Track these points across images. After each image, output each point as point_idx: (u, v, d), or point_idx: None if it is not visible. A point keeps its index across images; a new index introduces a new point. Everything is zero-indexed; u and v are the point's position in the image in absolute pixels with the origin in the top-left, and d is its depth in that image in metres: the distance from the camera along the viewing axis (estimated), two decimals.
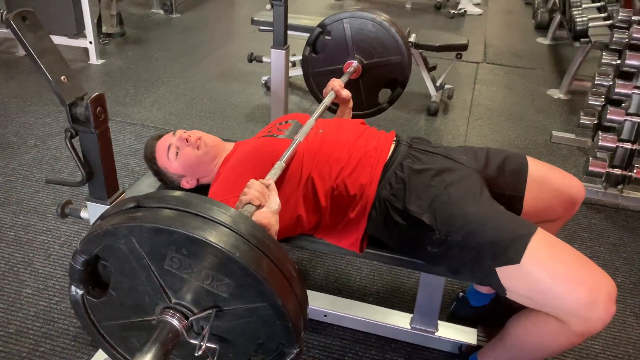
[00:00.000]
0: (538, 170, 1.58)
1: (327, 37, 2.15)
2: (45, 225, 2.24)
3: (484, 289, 1.84)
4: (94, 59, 3.95)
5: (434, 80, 3.48)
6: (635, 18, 2.61)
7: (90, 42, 3.88)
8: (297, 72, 3.59)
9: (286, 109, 2.32)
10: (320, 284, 2.02)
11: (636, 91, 2.42)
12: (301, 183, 1.48)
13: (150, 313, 0.96)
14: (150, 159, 1.67)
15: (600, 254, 2.24)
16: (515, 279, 1.29)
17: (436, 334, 1.75)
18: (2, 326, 1.76)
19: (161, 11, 5.31)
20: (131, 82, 3.67)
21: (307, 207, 1.48)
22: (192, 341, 0.92)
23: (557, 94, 3.80)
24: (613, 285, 1.24)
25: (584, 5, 3.74)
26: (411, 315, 1.79)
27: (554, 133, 3.15)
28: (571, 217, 1.70)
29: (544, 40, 4.99)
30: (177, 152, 1.62)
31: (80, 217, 1.18)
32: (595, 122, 2.98)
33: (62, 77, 1.03)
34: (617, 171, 2.53)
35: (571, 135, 3.15)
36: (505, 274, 1.29)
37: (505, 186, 1.55)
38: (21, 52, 4.06)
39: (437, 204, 1.38)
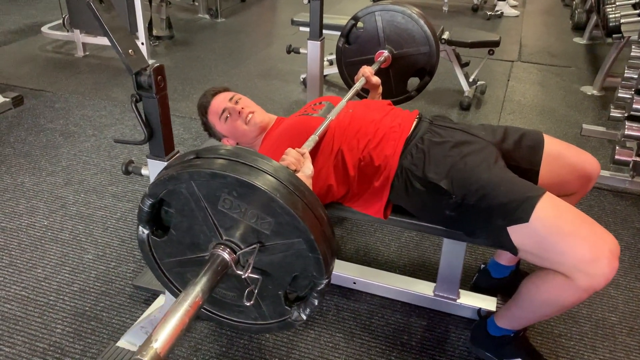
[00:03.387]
0: (554, 146, 1.70)
1: (360, 29, 2.31)
2: (103, 202, 2.48)
3: (504, 261, 1.95)
4: None
5: (466, 76, 3.59)
6: None
7: (142, 44, 4.15)
8: (332, 70, 3.78)
9: (321, 93, 2.49)
10: (350, 257, 2.18)
11: None
12: (332, 155, 1.65)
13: (204, 250, 1.14)
14: (203, 111, 1.89)
15: (624, 237, 2.32)
16: (525, 238, 1.41)
17: (457, 301, 1.88)
18: (67, 285, 1.99)
19: (207, 16, 5.59)
20: (179, 80, 3.93)
21: (337, 177, 1.65)
22: (238, 272, 1.09)
23: (590, 90, 3.85)
24: (615, 243, 1.35)
25: (617, 3, 3.79)
26: (434, 284, 1.92)
27: (584, 126, 3.21)
28: (586, 193, 1.80)
29: (581, 40, 5.02)
30: (227, 118, 1.81)
31: (141, 175, 1.38)
32: (626, 114, 3.05)
33: (130, 51, 1.22)
34: None
35: (601, 129, 3.20)
36: (516, 232, 1.41)
37: (521, 160, 1.67)
38: (80, 53, 4.39)
39: (454, 171, 1.52)
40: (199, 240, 1.14)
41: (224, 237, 1.11)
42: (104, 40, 4.26)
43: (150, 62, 1.24)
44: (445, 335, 1.83)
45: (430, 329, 1.85)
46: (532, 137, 1.71)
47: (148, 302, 1.90)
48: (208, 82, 3.90)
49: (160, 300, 1.86)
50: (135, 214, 2.38)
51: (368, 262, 2.15)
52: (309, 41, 2.33)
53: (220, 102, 1.86)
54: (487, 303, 1.87)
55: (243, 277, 1.06)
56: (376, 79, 2.05)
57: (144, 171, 1.38)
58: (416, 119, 1.72)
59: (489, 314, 1.81)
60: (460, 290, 1.88)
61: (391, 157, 1.60)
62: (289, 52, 3.28)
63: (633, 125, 2.56)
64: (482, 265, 2.01)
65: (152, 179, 1.37)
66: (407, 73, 2.36)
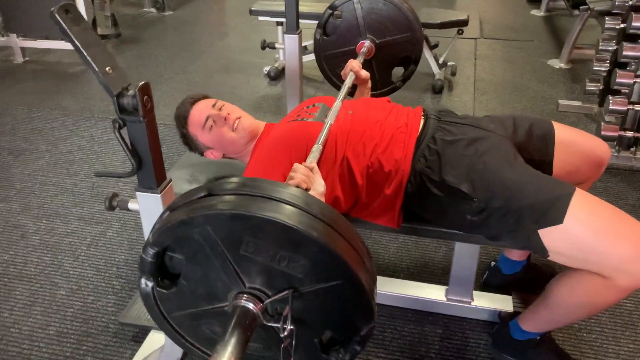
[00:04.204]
0: (565, 134, 1.60)
1: (338, 19, 2.15)
2: (69, 227, 2.24)
3: (515, 256, 1.86)
4: None
5: (436, 58, 3.48)
6: None
7: None
8: (306, 58, 3.59)
9: (301, 94, 2.32)
10: None
11: None
12: (336, 164, 1.49)
13: (222, 300, 0.97)
14: (182, 122, 1.69)
15: None
16: (558, 240, 1.30)
17: (472, 303, 1.77)
18: (41, 328, 1.77)
19: (153, 9, 5.27)
20: (134, 82, 3.65)
21: (343, 187, 1.50)
22: (271, 324, 0.92)
23: (557, 63, 3.82)
24: None
25: None
26: (446, 288, 1.81)
27: (560, 102, 3.17)
28: (597, 179, 1.72)
29: (538, 12, 5.01)
30: (212, 126, 1.62)
31: (128, 210, 1.19)
32: (601, 87, 3.02)
33: (107, 68, 1.03)
34: (630, 134, 2.56)
35: (577, 103, 3.17)
36: (548, 235, 1.31)
37: (534, 151, 1.57)
38: (19, 59, 4.03)
39: (473, 173, 1.40)
40: (215, 290, 0.97)
41: (248, 285, 0.95)
42: (45, 44, 3.93)
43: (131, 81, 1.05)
44: (464, 341, 1.72)
45: (447, 336, 1.74)
46: (542, 126, 1.61)
47: (137, 340, 1.71)
48: (165, 82, 3.65)
49: (152, 338, 1.67)
50: (108, 236, 2.17)
51: None
52: (285, 35, 2.15)
53: (201, 110, 1.67)
54: (504, 303, 1.78)
55: (282, 335, 0.90)
56: (365, 73, 1.90)
57: (132, 205, 1.19)
58: (422, 117, 1.58)
59: (509, 316, 1.71)
60: (473, 291, 1.78)
61: (402, 161, 1.46)
62: (263, 47, 3.08)
63: (618, 100, 2.51)
64: (492, 263, 1.91)
65: (143, 214, 1.18)
66: (392, 63, 2.22)
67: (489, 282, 1.89)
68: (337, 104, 1.59)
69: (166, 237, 0.91)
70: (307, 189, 1.22)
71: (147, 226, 1.17)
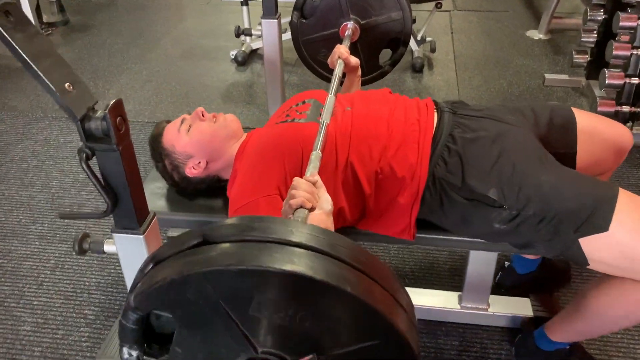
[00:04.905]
0: (586, 122, 1.45)
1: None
2: (28, 248, 1.98)
3: (531, 255, 1.72)
4: None
5: (414, 35, 3.29)
6: None
7: None
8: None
9: (283, 86, 2.09)
10: None
11: None
12: (338, 170, 1.30)
13: None
14: (156, 137, 1.47)
15: None
16: (602, 249, 1.15)
17: (489, 310, 1.62)
18: None
19: None
20: (88, 75, 3.34)
21: (348, 196, 1.31)
22: None
23: (536, 34, 3.68)
24: None
25: None
26: (458, 294, 1.66)
27: (547, 76, 3.03)
28: (617, 167, 1.58)
29: None
30: (189, 127, 1.41)
31: (103, 253, 0.97)
32: (589, 59, 2.89)
33: (67, 85, 0.80)
34: (626, 108, 2.44)
35: (564, 76, 3.04)
36: (591, 244, 1.16)
37: (557, 144, 1.41)
38: None
39: (502, 176, 1.22)
40: (219, 356, 0.78)
41: (260, 350, 0.75)
42: None
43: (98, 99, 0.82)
44: (484, 353, 1.57)
45: (464, 348, 1.59)
46: (562, 114, 1.45)
47: None
48: (124, 73, 3.35)
49: None
50: (74, 256, 1.92)
51: None
52: (263, 20, 1.91)
53: (176, 120, 1.46)
54: (522, 307, 1.64)
55: None
56: (355, 60, 1.69)
57: (108, 248, 0.97)
58: (435, 110, 1.39)
59: (529, 321, 1.58)
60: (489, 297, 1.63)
61: (418, 166, 1.27)
62: (237, 35, 2.82)
63: (614, 73, 2.37)
64: (507, 263, 1.76)
65: (122, 259, 0.97)
66: (379, 45, 2.01)
67: (502, 283, 1.75)
68: (331, 98, 1.38)
69: (152, 300, 0.70)
70: (312, 209, 1.02)
71: (129, 273, 0.96)
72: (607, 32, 2.75)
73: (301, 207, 1.00)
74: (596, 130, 1.45)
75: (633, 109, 2.43)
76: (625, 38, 2.41)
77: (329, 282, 0.66)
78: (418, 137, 1.30)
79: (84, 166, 0.83)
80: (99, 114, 0.81)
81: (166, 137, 1.43)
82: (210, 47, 3.68)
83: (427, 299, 1.67)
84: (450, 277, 1.83)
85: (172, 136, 1.44)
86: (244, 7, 3.34)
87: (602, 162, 1.48)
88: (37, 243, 2.00)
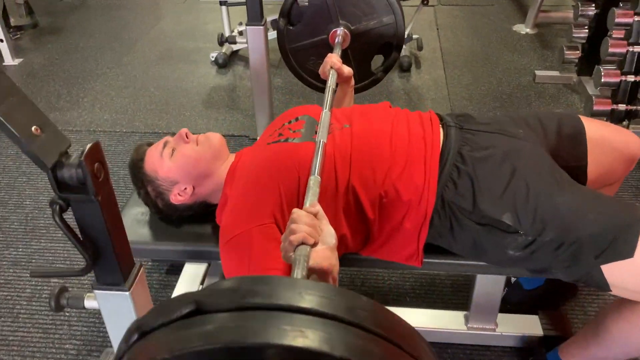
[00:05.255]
0: (595, 131, 1.37)
1: (304, 4, 1.81)
2: (2, 276, 1.84)
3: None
4: (9, 60, 3.40)
5: None
6: None
7: (1, 40, 3.32)
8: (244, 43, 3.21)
9: (270, 94, 1.98)
10: None
11: (637, 18, 2.23)
12: (339, 195, 1.19)
13: None
14: (136, 163, 1.34)
15: (624, 198, 2.10)
16: (626, 275, 1.08)
17: (497, 330, 1.54)
18: None
19: None
20: (60, 82, 3.17)
21: (350, 223, 1.21)
22: None
23: (523, 29, 3.61)
24: None
25: None
26: (464, 313, 1.57)
27: (537, 72, 2.97)
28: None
29: None
30: (172, 151, 1.30)
31: (82, 308, 0.85)
32: (580, 55, 2.83)
33: (34, 128, 0.68)
34: (622, 107, 2.37)
35: (555, 73, 2.98)
36: (614, 270, 1.08)
37: (568, 156, 1.33)
38: None
39: (516, 199, 1.14)
40: None
41: None
42: None
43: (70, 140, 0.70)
44: None
45: None
46: (571, 124, 1.37)
47: None
48: (98, 79, 3.19)
49: None
50: (52, 284, 1.79)
51: (370, 294, 1.75)
52: (247, 27, 1.79)
53: (158, 144, 1.34)
54: (531, 326, 1.56)
55: None
56: (348, 70, 1.59)
57: (89, 304, 0.85)
58: (441, 126, 1.29)
59: (539, 341, 1.50)
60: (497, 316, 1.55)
61: (426, 188, 1.18)
62: (221, 43, 2.69)
63: (610, 71, 2.31)
64: (513, 279, 1.68)
65: (106, 317, 0.85)
66: (370, 51, 1.92)
67: (509, 299, 1.66)
68: (326, 115, 1.28)
69: None
70: (314, 244, 0.92)
71: (114, 331, 0.85)
72: (598, 28, 2.69)
73: (303, 243, 0.90)
74: (606, 140, 1.38)
75: (629, 107, 2.37)
76: (619, 34, 2.35)
77: (350, 358, 0.56)
78: (424, 156, 1.20)
79: (58, 220, 0.71)
80: (73, 160, 0.70)
81: (148, 162, 1.31)
82: (188, 49, 3.54)
83: (431, 320, 1.58)
84: (453, 293, 1.75)
85: (155, 161, 1.32)
86: (223, 7, 3.21)
87: (612, 172, 1.41)
88: (10, 270, 1.87)
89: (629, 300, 1.15)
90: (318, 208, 0.99)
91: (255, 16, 1.76)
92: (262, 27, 1.80)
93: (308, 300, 0.59)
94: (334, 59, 1.58)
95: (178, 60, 3.39)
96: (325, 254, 0.92)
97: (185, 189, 1.32)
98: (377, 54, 1.95)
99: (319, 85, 1.92)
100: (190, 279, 1.62)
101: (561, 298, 1.67)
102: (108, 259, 0.77)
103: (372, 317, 0.59)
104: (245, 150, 1.41)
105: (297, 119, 1.37)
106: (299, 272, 0.83)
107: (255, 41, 1.80)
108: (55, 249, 1.91)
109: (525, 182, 1.15)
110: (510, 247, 1.14)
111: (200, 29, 3.80)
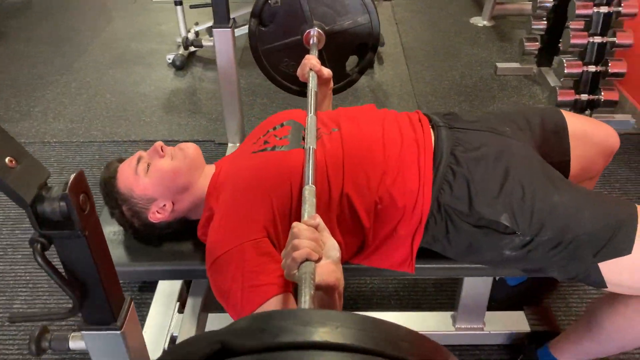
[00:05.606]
0: (576, 126, 1.38)
1: (276, 4, 1.74)
2: None
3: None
4: None
5: None
6: None
7: None
8: (207, 42, 3.11)
9: (240, 97, 1.90)
10: None
11: (597, 9, 2.27)
12: (333, 204, 1.15)
13: None
14: (108, 181, 1.24)
15: (597, 186, 2.13)
16: (622, 271, 1.08)
17: (485, 329, 1.53)
18: None
19: None
20: (8, 91, 2.99)
21: (345, 232, 1.17)
22: None
23: (480, 21, 3.64)
24: None
25: None
26: (450, 314, 1.56)
27: (499, 65, 3.00)
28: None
29: None
30: (148, 166, 1.21)
31: (67, 350, 0.78)
32: (540, 47, 2.87)
33: (7, 160, 0.61)
34: (584, 97, 2.42)
35: (515, 65, 3.02)
36: (611, 267, 1.08)
37: (552, 152, 1.34)
38: None
39: (512, 200, 1.12)
40: None
41: None
42: None
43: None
44: None
45: None
46: (554, 119, 1.38)
47: None
48: (49, 86, 3.02)
49: None
50: (15, 308, 1.67)
51: (354, 299, 1.72)
52: (214, 30, 1.71)
53: (130, 159, 1.25)
54: (518, 322, 1.56)
55: None
56: (328, 71, 1.53)
57: (74, 344, 0.78)
58: (431, 127, 1.26)
59: (526, 337, 1.50)
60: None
61: (420, 192, 1.15)
62: (187, 47, 2.58)
63: (573, 62, 2.34)
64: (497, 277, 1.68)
65: (94, 357, 0.78)
66: (345, 52, 1.87)
67: (493, 296, 1.64)
68: (312, 119, 1.23)
69: None
70: (319, 260, 0.87)
71: None
72: (557, 19, 2.74)
73: (307, 259, 0.84)
74: (587, 135, 1.38)
75: (591, 97, 2.41)
76: (579, 25, 2.38)
77: None
78: (418, 160, 1.17)
79: (40, 260, 0.63)
80: (55, 192, 0.62)
81: (121, 180, 1.22)
82: (143, 51, 3.41)
83: (418, 323, 1.56)
84: (437, 293, 1.73)
85: (129, 178, 1.22)
86: (178, 8, 3.09)
87: (592, 166, 1.42)
88: None
89: (621, 294, 1.15)
90: (319, 220, 0.94)
91: (222, 18, 1.68)
92: (229, 29, 1.72)
93: (346, 334, 0.53)
94: (312, 60, 1.52)
95: (133, 64, 3.26)
96: (330, 268, 0.88)
97: (164, 205, 1.24)
98: (352, 55, 1.90)
99: (293, 87, 1.87)
100: (165, 296, 1.54)
101: (544, 292, 1.68)
102: (97, 297, 0.69)
103: (415, 348, 0.55)
104: (225, 159, 1.34)
105: (282, 125, 1.32)
106: (306, 291, 0.78)
107: (223, 43, 1.72)
108: (35, 281, 1.79)
109: (520, 182, 1.13)
110: (507, 247, 1.13)
111: (154, 30, 3.67)
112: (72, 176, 0.62)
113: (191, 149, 1.28)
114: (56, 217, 0.63)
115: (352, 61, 1.91)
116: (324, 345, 0.51)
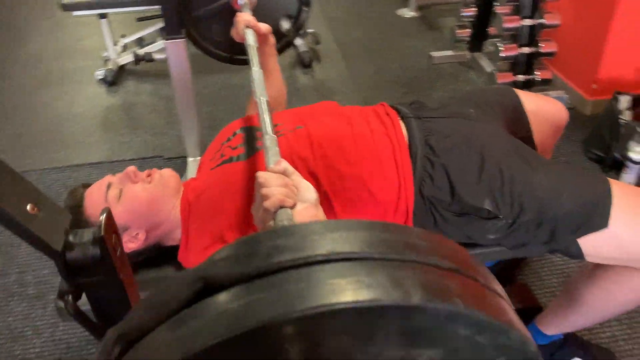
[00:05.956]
0: (530, 102, 1.45)
1: None
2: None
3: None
4: None
5: None
6: None
7: None
8: (129, 57, 2.98)
9: (197, 109, 1.82)
10: None
11: None
12: None
13: None
14: (74, 209, 1.14)
15: None
16: (601, 245, 1.13)
17: None
18: None
19: None
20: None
21: None
22: None
23: (407, 12, 3.73)
24: None
25: None
26: None
27: (434, 54, 3.08)
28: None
29: None
30: (120, 192, 1.14)
31: None
32: (470, 33, 2.97)
33: (29, 206, 0.55)
34: (522, 77, 2.53)
35: (449, 52, 3.10)
36: (590, 241, 1.13)
37: (516, 128, 1.39)
38: None
39: (492, 185, 1.15)
40: None
41: None
42: None
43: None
44: None
45: None
46: (509, 97, 1.45)
47: None
48: None
49: None
50: (66, 334, 1.54)
51: None
52: (165, 42, 1.63)
53: (99, 184, 1.18)
54: None
55: None
56: (265, 26, 1.40)
57: None
58: (400, 119, 1.27)
59: None
60: None
61: (402, 186, 1.15)
62: (138, 62, 2.45)
63: (508, 45, 2.44)
64: None
65: None
66: (277, 11, 1.78)
67: None
68: (257, 72, 1.16)
69: None
70: (294, 205, 0.81)
71: None
72: (485, 6, 2.85)
73: (281, 206, 0.80)
74: (540, 110, 1.44)
75: (527, 77, 2.53)
76: (507, 10, 2.49)
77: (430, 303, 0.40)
78: (393, 154, 1.17)
79: (73, 313, 0.58)
80: (87, 237, 0.57)
81: (89, 207, 1.14)
82: (69, 69, 3.23)
83: None
84: None
85: (99, 206, 1.14)
86: (103, 20, 2.94)
87: (546, 140, 1.48)
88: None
89: (598, 267, 1.21)
90: (285, 164, 0.88)
91: (174, 29, 1.60)
92: (182, 39, 1.64)
93: (352, 242, 0.44)
94: (245, 16, 1.41)
95: (61, 84, 3.08)
96: (310, 212, 0.82)
97: (137, 234, 1.16)
98: (285, 14, 1.81)
99: (226, 55, 1.74)
100: None
101: (516, 270, 1.75)
102: None
103: (434, 248, 0.47)
104: (190, 181, 1.29)
105: (234, 134, 1.28)
106: None
107: (176, 55, 1.64)
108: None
109: (498, 166, 1.16)
110: (491, 231, 1.16)
111: (77, 46, 3.49)
112: (103, 216, 0.57)
113: (168, 173, 1.23)
114: (88, 261, 0.58)
115: None
116: (332, 259, 0.43)
